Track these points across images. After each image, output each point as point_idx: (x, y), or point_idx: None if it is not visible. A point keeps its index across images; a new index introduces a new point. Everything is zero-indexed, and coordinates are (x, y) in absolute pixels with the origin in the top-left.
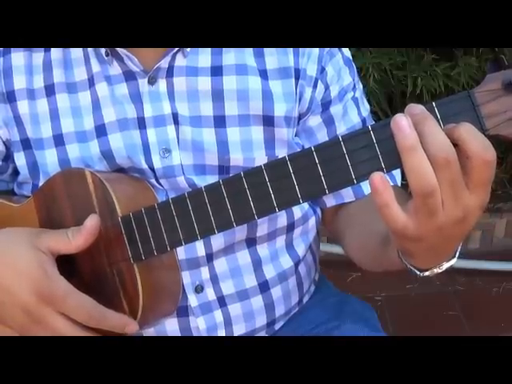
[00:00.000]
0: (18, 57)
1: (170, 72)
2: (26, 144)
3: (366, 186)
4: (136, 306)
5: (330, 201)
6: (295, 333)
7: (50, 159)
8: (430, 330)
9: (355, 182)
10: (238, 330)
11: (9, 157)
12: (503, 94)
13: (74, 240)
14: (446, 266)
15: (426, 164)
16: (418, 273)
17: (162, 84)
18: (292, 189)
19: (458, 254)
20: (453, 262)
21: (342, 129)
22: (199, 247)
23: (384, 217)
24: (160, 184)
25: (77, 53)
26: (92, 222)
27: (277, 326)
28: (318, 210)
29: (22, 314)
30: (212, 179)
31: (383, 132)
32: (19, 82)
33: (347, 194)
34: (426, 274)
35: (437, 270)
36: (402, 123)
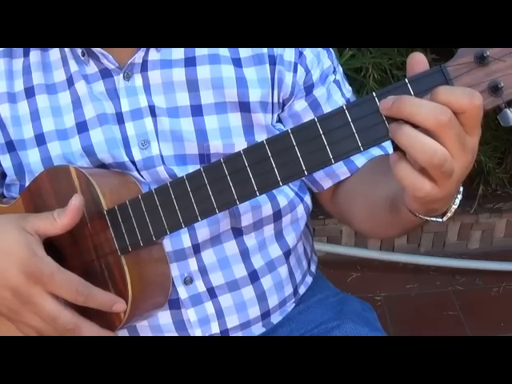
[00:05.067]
0: None
1: (144, 66)
2: (11, 146)
3: (358, 160)
4: (125, 297)
5: (326, 183)
6: (295, 333)
7: (32, 159)
8: (430, 329)
9: (333, 161)
10: (232, 322)
11: None
12: (475, 66)
13: (59, 220)
14: (458, 200)
15: (428, 140)
16: (440, 220)
17: (137, 79)
18: (271, 172)
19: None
20: (461, 193)
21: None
22: (184, 238)
23: (407, 188)
24: (142, 176)
25: (55, 55)
26: (76, 201)
27: (273, 318)
28: (306, 198)
29: (11, 295)
30: (193, 169)
31: (358, 111)
32: (0, 87)
33: (342, 171)
34: (447, 216)
35: (454, 208)
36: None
